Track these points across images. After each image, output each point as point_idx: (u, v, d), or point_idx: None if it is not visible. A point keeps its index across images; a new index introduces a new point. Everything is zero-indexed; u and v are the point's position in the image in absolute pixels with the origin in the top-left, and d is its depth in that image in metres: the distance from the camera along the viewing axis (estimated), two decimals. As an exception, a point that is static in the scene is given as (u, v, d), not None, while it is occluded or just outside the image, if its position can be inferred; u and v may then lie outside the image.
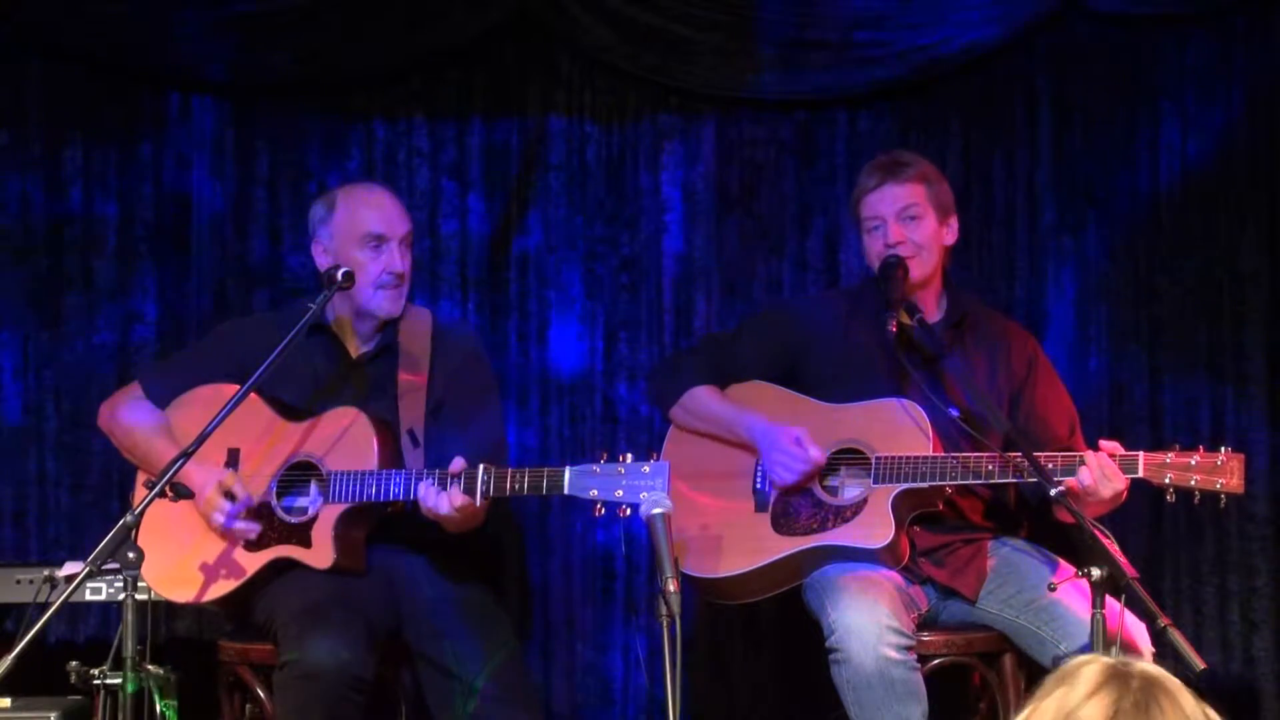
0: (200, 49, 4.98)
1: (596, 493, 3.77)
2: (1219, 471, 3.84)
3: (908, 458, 3.98)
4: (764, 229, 5.07)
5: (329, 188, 4.94)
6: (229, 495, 4.00)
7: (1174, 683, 2.03)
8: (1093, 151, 4.98)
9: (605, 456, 3.80)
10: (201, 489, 3.95)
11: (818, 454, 4.03)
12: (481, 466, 3.88)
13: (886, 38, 4.94)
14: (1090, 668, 2.05)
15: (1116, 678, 2.02)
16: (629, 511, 3.76)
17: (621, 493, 3.74)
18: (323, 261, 4.23)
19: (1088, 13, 4.96)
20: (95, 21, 4.96)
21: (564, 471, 3.83)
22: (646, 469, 3.72)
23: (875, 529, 3.97)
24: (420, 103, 5.11)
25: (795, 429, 4.05)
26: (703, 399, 4.23)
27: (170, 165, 5.09)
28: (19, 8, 4.97)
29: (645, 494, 3.65)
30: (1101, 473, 3.84)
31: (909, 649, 3.82)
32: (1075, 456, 3.90)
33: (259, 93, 5.11)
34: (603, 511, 3.80)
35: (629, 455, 3.77)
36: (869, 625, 3.78)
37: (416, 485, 3.92)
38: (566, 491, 3.82)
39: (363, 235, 4.18)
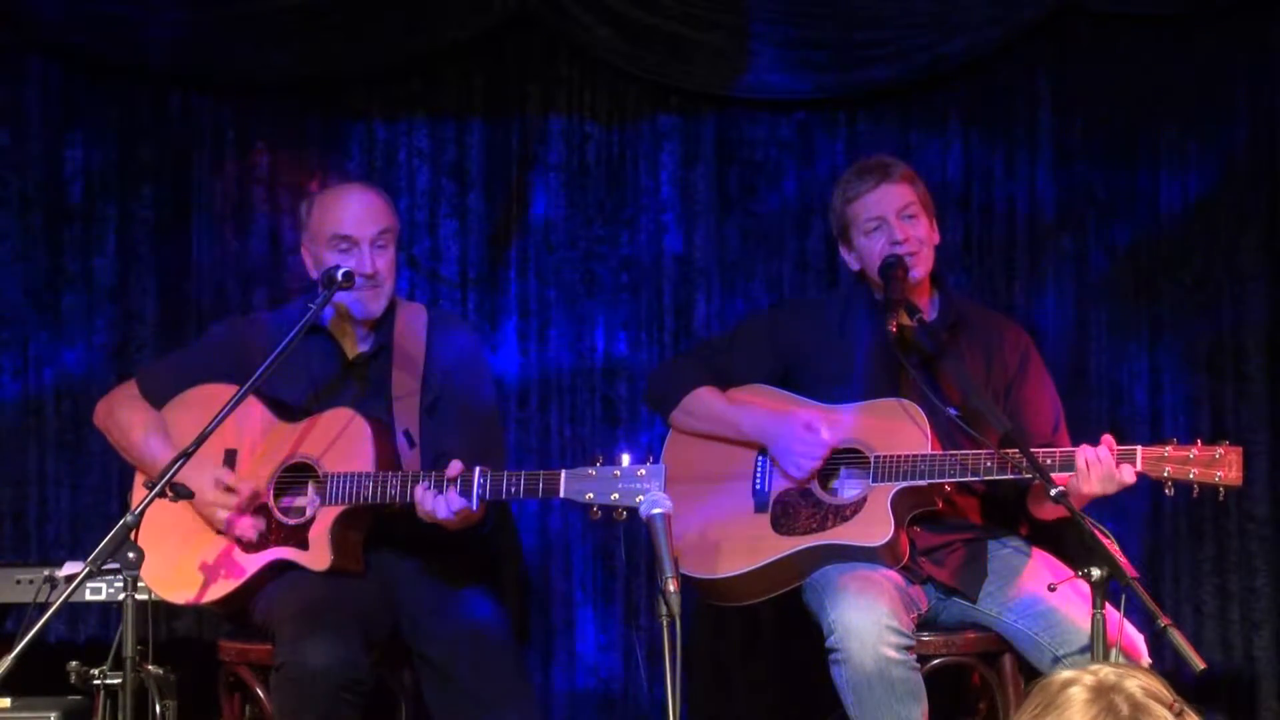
0: (200, 49, 4.97)
1: (593, 496, 3.75)
2: (1217, 464, 3.83)
3: (906, 456, 3.98)
4: (764, 229, 5.07)
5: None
6: (229, 490, 4.00)
7: (1160, 710, 2.00)
8: (1092, 151, 4.98)
9: (601, 459, 3.79)
10: (201, 490, 3.95)
11: (829, 435, 4.03)
12: (478, 470, 3.87)
13: (886, 38, 4.94)
14: (1076, 691, 2.00)
15: (1105, 706, 1.98)
16: (624, 515, 3.74)
17: (618, 496, 3.72)
18: (307, 263, 4.23)
19: (1088, 13, 4.96)
20: (95, 21, 4.96)
21: (560, 475, 3.81)
22: (642, 472, 3.69)
23: (875, 527, 3.97)
24: (420, 103, 5.11)
25: (804, 413, 4.05)
26: (704, 400, 4.23)
27: (170, 165, 5.09)
28: (19, 8, 4.97)
29: (641, 497, 3.63)
30: (1101, 468, 3.83)
31: (909, 649, 3.82)
32: (1071, 452, 3.89)
33: (259, 93, 5.11)
34: (599, 515, 3.79)
35: (626, 457, 3.75)
36: (868, 625, 3.78)
37: (413, 488, 3.92)
38: (562, 495, 3.80)
39: (329, 238, 4.15)
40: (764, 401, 4.19)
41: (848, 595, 3.84)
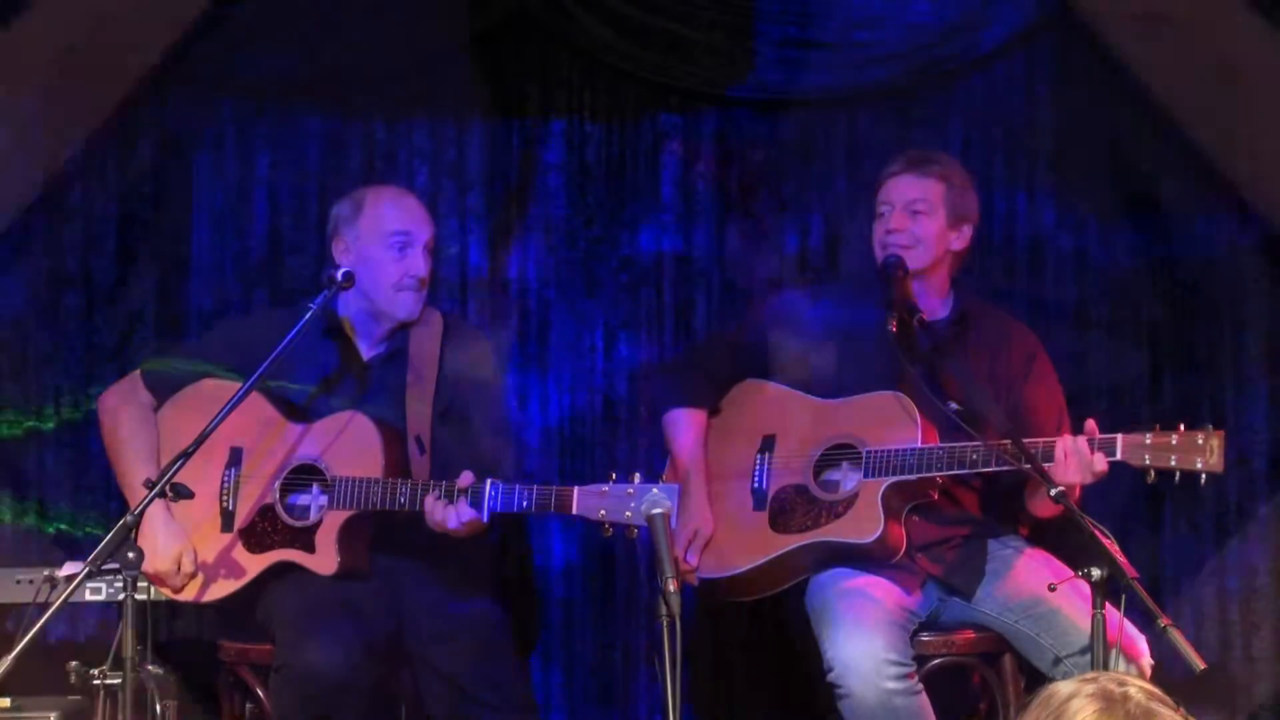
0: (201, 48, 4.97)
1: (605, 513, 3.74)
2: (1198, 450, 3.76)
3: (896, 450, 3.97)
4: (764, 229, 5.07)
5: (329, 189, 4.95)
6: (184, 574, 4.02)
7: (1167, 712, 2.01)
8: (1092, 151, 4.98)
9: (614, 476, 3.77)
10: (162, 563, 3.98)
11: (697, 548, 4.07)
12: (489, 482, 3.87)
13: (886, 38, 4.94)
14: (1082, 703, 2.01)
15: (1122, 717, 1.98)
16: (636, 533, 3.73)
17: (630, 514, 3.71)
18: (344, 260, 4.21)
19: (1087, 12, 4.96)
20: (95, 21, 4.95)
21: (572, 491, 3.80)
22: (656, 491, 3.63)
23: (865, 524, 3.97)
24: (420, 103, 5.11)
25: (706, 532, 4.07)
26: (672, 427, 4.23)
27: (170, 165, 5.09)
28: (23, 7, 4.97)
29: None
30: (1078, 458, 3.82)
31: (908, 675, 3.84)
32: (1052, 442, 3.87)
33: (259, 93, 5.11)
34: (610, 532, 3.78)
35: (638, 475, 3.74)
36: (867, 662, 3.79)
37: (424, 497, 3.91)
38: (575, 512, 3.79)
39: (388, 233, 4.16)
40: (758, 403, 4.18)
41: (844, 628, 3.84)
